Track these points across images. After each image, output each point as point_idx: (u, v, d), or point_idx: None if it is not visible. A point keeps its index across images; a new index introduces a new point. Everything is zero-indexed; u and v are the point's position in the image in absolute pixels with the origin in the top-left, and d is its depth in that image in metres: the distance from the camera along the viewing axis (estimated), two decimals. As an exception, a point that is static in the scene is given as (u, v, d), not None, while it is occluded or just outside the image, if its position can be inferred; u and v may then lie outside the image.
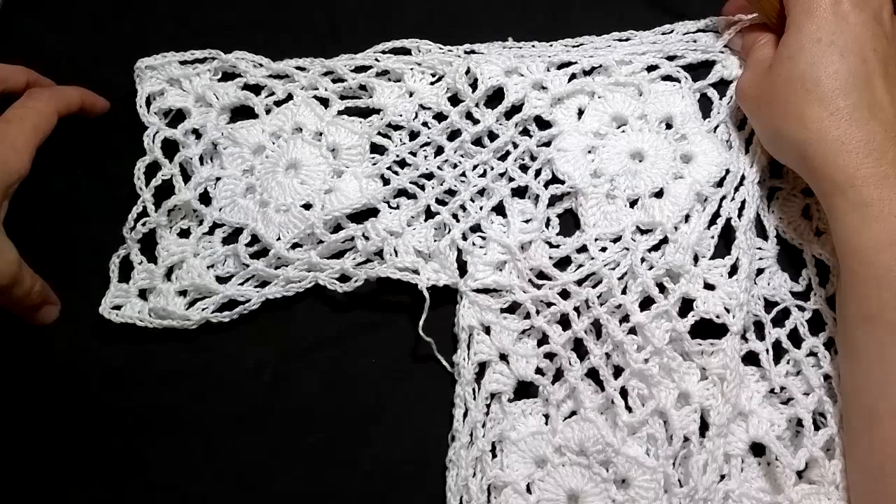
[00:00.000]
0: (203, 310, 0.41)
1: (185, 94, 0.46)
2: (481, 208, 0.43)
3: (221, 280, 0.42)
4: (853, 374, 0.37)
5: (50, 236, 0.44)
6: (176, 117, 0.46)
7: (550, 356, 0.40)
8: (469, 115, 0.45)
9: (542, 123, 0.45)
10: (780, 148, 0.40)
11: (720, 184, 0.42)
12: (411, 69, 0.46)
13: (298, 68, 0.46)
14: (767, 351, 0.40)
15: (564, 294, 0.41)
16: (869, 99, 0.37)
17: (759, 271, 0.41)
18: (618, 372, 0.39)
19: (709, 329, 0.39)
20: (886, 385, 0.35)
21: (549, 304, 0.40)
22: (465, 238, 0.42)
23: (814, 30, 0.38)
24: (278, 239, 0.42)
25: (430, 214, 0.43)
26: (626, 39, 0.47)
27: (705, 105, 0.45)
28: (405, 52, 0.47)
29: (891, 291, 0.35)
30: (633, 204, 0.42)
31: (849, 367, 0.37)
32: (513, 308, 0.41)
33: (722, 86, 0.45)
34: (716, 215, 0.41)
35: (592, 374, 0.39)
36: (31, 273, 0.40)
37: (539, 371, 0.40)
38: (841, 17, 0.38)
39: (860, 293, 0.36)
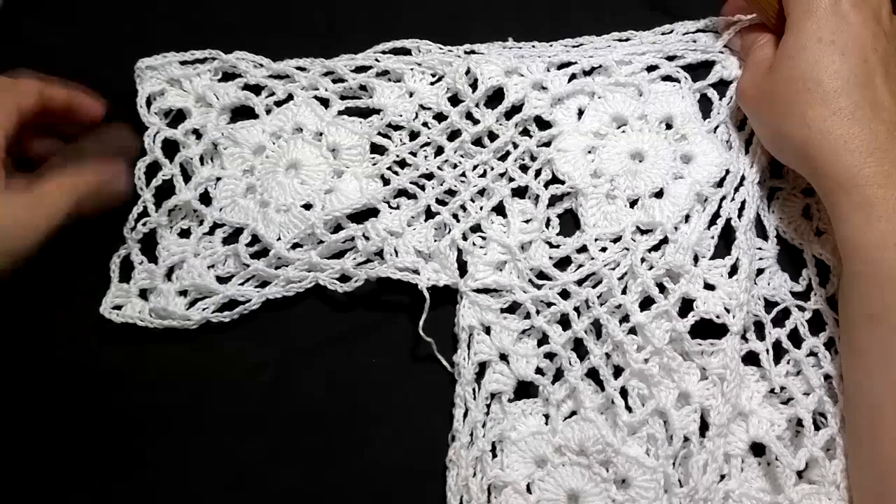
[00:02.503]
0: (203, 310, 0.41)
1: (185, 94, 0.46)
2: (481, 208, 0.43)
3: (222, 280, 0.42)
4: (857, 374, 0.37)
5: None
6: (176, 117, 0.46)
7: (550, 356, 0.40)
8: (469, 116, 0.45)
9: (542, 123, 0.45)
10: (782, 148, 0.40)
11: (720, 184, 0.42)
12: (411, 69, 0.46)
13: (299, 68, 0.46)
14: (767, 351, 0.40)
15: (564, 294, 0.41)
16: (871, 98, 0.37)
17: (759, 271, 0.41)
18: (618, 372, 0.39)
19: (709, 329, 0.39)
20: (891, 385, 0.35)
21: (549, 304, 0.40)
22: (465, 238, 0.42)
23: (814, 29, 0.38)
24: (278, 239, 0.42)
25: (430, 214, 0.43)
26: (626, 39, 0.47)
27: (705, 105, 0.45)
28: (405, 52, 0.47)
29: (894, 290, 0.35)
30: (633, 204, 0.42)
31: (852, 366, 0.37)
32: (513, 308, 0.41)
33: (722, 86, 0.45)
34: (716, 215, 0.41)
35: (592, 374, 0.39)
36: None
37: (539, 371, 0.40)
38: (841, 16, 0.38)
39: (864, 293, 0.36)
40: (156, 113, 0.45)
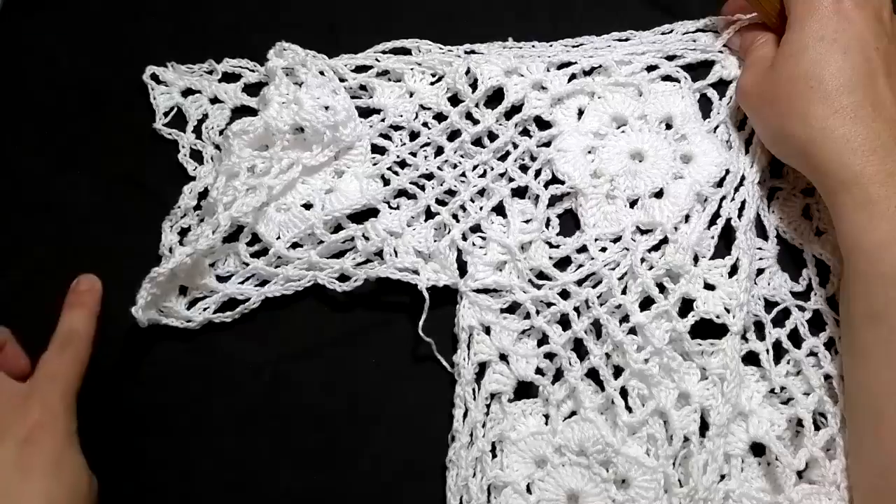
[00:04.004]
0: (204, 310, 0.41)
1: (200, 97, 0.46)
2: (481, 208, 0.43)
3: (221, 279, 0.42)
4: (858, 374, 0.37)
5: (50, 236, 0.44)
6: (176, 117, 0.46)
7: (550, 356, 0.40)
8: (469, 116, 0.45)
9: (542, 124, 0.45)
10: (783, 147, 0.40)
11: (720, 184, 0.42)
12: (411, 69, 0.46)
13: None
14: (767, 351, 0.40)
15: (564, 294, 0.41)
16: (872, 97, 0.37)
17: (759, 271, 0.41)
18: (618, 372, 0.39)
19: (709, 329, 0.39)
20: (892, 384, 0.35)
21: (549, 304, 0.40)
22: (465, 238, 0.42)
23: (816, 28, 0.38)
24: (278, 238, 0.42)
25: (430, 215, 0.43)
26: (626, 39, 0.47)
27: (705, 105, 0.45)
28: (405, 52, 0.47)
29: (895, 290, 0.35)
30: (633, 204, 0.42)
31: (854, 366, 0.37)
32: (513, 308, 0.41)
33: (721, 86, 0.45)
34: (716, 215, 0.41)
35: (592, 374, 0.39)
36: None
37: (539, 371, 0.40)
38: (843, 15, 0.38)
39: (866, 292, 0.36)
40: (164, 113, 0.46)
